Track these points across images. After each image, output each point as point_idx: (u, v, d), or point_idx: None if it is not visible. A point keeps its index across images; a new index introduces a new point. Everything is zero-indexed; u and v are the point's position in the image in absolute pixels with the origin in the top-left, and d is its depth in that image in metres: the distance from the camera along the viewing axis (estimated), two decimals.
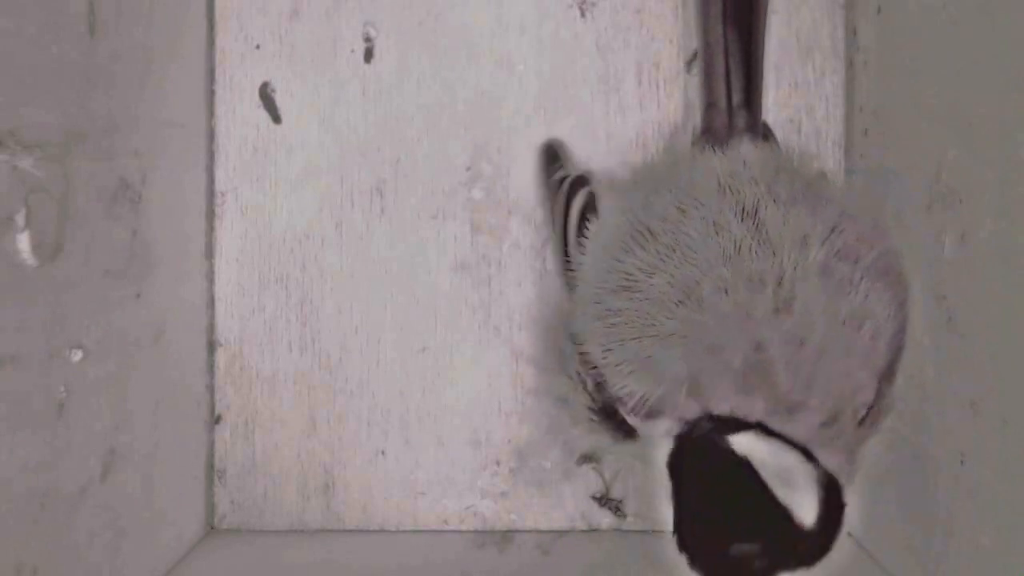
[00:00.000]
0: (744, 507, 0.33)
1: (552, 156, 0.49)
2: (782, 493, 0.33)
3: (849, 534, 0.49)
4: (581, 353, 0.39)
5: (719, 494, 0.33)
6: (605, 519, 0.50)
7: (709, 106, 0.45)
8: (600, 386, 0.38)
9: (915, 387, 0.39)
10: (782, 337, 0.34)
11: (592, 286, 0.40)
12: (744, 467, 0.33)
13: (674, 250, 0.37)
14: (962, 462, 0.36)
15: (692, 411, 0.35)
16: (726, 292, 0.35)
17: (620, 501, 0.50)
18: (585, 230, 0.42)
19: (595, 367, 0.38)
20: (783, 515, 0.33)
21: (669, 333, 0.35)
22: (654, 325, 0.36)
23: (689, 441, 0.34)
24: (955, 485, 0.37)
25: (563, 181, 0.45)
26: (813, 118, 0.50)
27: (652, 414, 0.36)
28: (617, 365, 0.37)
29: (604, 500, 0.50)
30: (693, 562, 0.33)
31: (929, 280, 0.39)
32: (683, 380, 0.35)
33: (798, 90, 0.50)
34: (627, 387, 0.36)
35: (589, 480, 0.50)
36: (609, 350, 0.37)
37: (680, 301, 0.36)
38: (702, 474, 0.34)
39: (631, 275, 0.37)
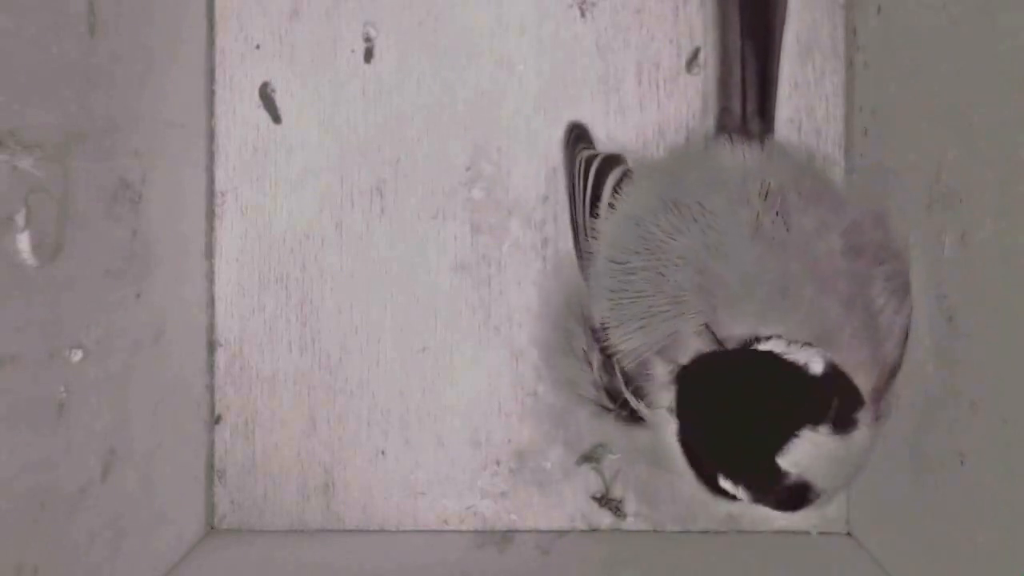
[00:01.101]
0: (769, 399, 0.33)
1: (580, 135, 0.49)
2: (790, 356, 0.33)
3: (849, 534, 0.49)
4: (591, 327, 0.40)
5: (741, 405, 0.33)
6: (605, 519, 0.50)
7: (723, 111, 0.46)
8: (607, 365, 0.39)
9: (915, 387, 0.39)
10: (807, 270, 0.35)
11: (611, 249, 0.41)
12: (753, 363, 0.34)
13: (698, 217, 0.38)
14: (962, 462, 0.36)
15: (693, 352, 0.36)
16: (748, 254, 0.36)
17: (620, 501, 0.50)
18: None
19: (602, 339, 0.39)
20: (799, 382, 0.33)
21: (684, 286, 0.37)
22: (668, 280, 0.37)
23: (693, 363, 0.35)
24: (955, 485, 0.37)
25: (594, 159, 0.45)
26: (813, 118, 0.50)
27: (649, 364, 0.37)
28: (624, 322, 0.38)
29: (604, 500, 0.50)
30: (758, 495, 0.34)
31: (929, 280, 0.39)
32: (691, 331, 0.35)
33: (798, 90, 0.50)
34: (632, 343, 0.37)
35: (589, 480, 0.50)
36: (619, 304, 0.38)
37: (704, 259, 0.37)
38: (720, 388, 0.34)
39: (653, 236, 0.39)
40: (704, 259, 0.37)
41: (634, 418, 0.39)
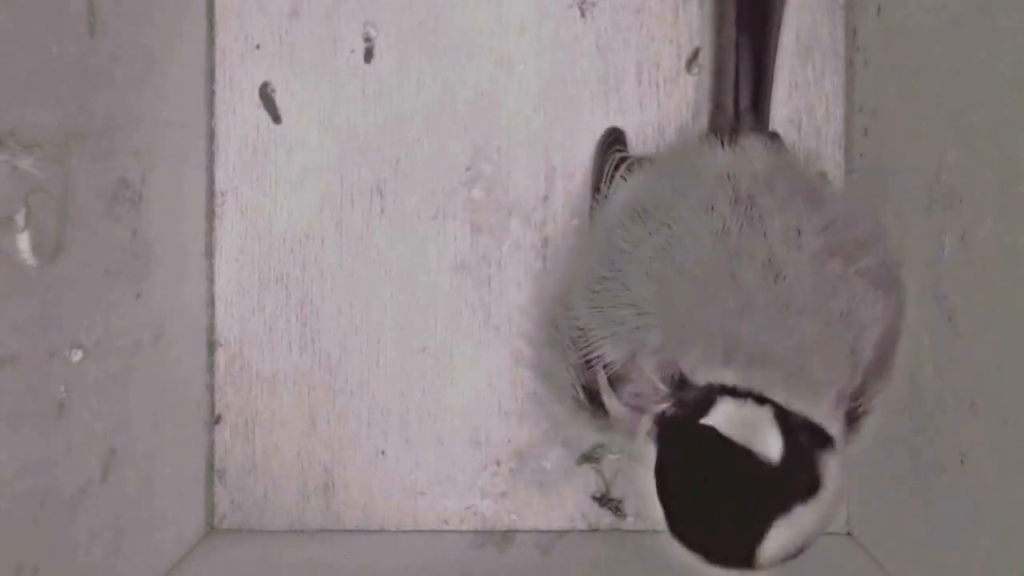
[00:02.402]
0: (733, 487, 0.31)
1: (616, 139, 0.49)
2: (747, 441, 0.31)
3: (849, 534, 0.49)
4: (577, 325, 0.39)
5: (710, 487, 0.32)
6: (605, 519, 0.50)
7: (716, 108, 0.45)
8: (587, 364, 0.38)
9: (915, 387, 0.39)
10: (767, 298, 0.34)
11: (588, 258, 0.40)
12: (724, 446, 0.31)
13: (663, 226, 0.37)
14: (962, 462, 0.36)
15: (661, 373, 0.34)
16: (710, 262, 0.35)
17: (620, 501, 0.50)
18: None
19: (582, 343, 0.38)
20: (756, 466, 0.31)
21: (645, 299, 0.36)
22: (631, 291, 0.36)
23: (669, 434, 0.33)
24: (955, 485, 0.37)
25: (624, 160, 0.45)
26: (813, 118, 0.50)
27: (622, 380, 0.36)
28: (596, 330, 0.37)
29: (604, 500, 0.50)
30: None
31: (929, 280, 0.39)
32: (655, 345, 0.35)
33: (798, 90, 0.50)
34: (604, 353, 0.37)
35: (589, 480, 0.50)
36: (592, 310, 0.38)
37: (662, 270, 0.36)
38: (691, 472, 0.33)
39: (618, 246, 0.38)
40: (665, 272, 0.36)
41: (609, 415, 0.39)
